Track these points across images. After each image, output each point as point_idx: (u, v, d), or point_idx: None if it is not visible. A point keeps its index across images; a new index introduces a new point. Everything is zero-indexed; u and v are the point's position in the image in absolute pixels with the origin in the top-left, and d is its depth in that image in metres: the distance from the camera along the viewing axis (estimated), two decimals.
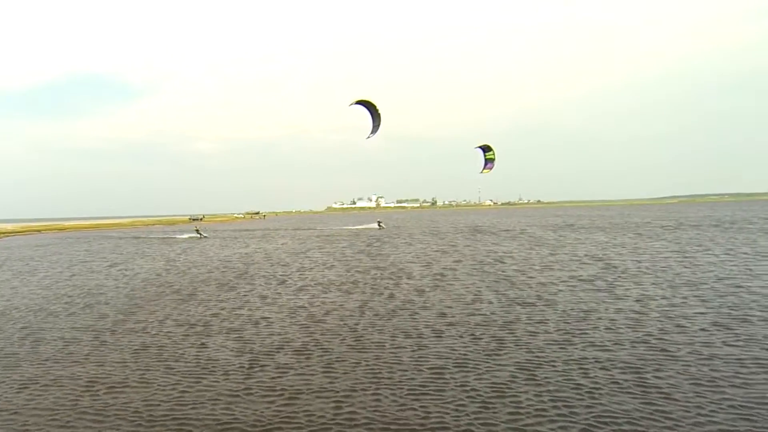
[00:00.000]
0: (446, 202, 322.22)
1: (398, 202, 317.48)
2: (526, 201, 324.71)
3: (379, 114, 22.90)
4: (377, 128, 23.36)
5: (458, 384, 6.40)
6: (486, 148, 28.88)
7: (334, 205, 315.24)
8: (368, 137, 23.68)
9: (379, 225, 52.61)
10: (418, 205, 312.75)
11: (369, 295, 12.97)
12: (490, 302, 11.47)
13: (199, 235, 42.29)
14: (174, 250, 31.04)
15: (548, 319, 9.64)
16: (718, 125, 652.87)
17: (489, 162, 28.98)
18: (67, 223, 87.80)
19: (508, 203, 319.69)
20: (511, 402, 5.79)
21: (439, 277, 15.73)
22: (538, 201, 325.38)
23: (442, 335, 8.79)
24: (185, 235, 44.14)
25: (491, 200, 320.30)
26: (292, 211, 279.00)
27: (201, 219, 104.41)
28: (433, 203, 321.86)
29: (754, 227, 35.02)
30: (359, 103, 22.95)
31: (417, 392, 6.18)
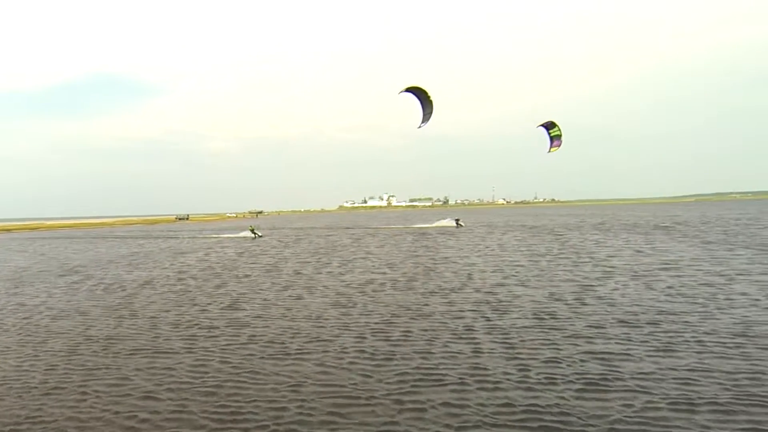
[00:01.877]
0: (458, 201, 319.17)
1: (410, 200, 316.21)
2: (541, 200, 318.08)
3: (430, 101, 21.34)
4: (429, 116, 21.90)
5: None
6: (550, 125, 26.10)
7: (346, 204, 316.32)
8: (420, 126, 22.40)
9: (456, 223, 47.58)
10: (431, 204, 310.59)
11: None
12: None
13: (254, 235, 39.73)
14: (101, 246, 31.27)
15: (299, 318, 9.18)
16: (740, 123, 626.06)
17: (555, 139, 26.31)
18: (47, 222, 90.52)
19: (522, 202, 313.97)
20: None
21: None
22: (553, 200, 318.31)
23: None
24: (241, 234, 42.39)
25: (504, 199, 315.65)
26: (301, 210, 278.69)
27: (187, 218, 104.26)
28: (446, 202, 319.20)
29: (693, 229, 32.92)
30: (408, 90, 21.53)
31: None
